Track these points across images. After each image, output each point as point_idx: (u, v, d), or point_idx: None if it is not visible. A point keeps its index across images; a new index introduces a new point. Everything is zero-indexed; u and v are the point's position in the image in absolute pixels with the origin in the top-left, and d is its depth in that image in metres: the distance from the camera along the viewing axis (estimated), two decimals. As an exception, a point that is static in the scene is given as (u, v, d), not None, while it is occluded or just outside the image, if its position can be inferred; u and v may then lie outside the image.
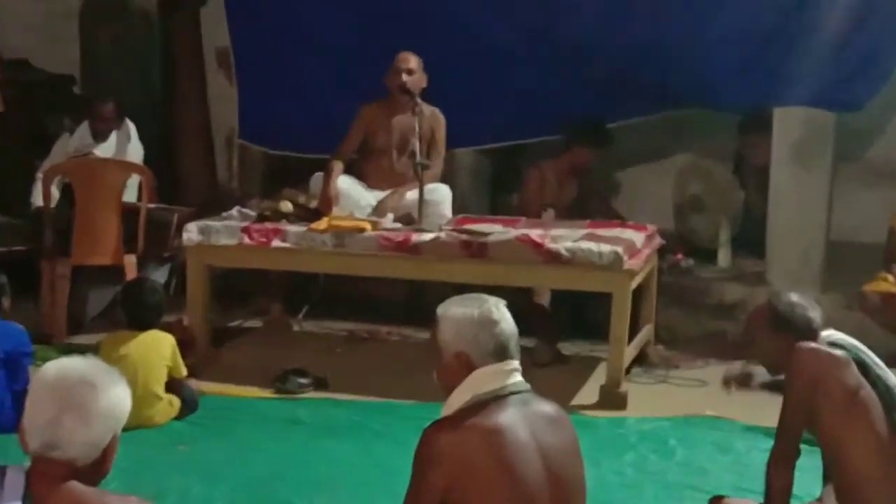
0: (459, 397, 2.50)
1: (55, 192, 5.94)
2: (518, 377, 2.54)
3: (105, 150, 6.23)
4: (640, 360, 5.47)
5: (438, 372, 2.58)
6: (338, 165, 5.54)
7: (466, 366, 2.51)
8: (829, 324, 3.35)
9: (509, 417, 2.46)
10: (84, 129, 6.27)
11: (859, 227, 6.17)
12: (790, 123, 5.78)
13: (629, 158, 6.69)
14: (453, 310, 2.58)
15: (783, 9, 5.55)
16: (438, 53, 5.61)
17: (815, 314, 3.30)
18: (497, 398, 2.48)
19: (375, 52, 5.76)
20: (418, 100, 5.42)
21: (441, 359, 2.55)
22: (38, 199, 5.99)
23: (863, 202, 6.26)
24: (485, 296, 2.63)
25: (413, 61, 5.50)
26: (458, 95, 5.82)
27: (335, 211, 5.38)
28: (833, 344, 3.26)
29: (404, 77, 5.46)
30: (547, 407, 2.56)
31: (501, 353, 2.53)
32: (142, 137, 6.38)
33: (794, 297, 3.36)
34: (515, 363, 2.55)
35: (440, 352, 2.55)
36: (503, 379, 2.51)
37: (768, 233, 5.93)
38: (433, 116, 5.58)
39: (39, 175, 6.07)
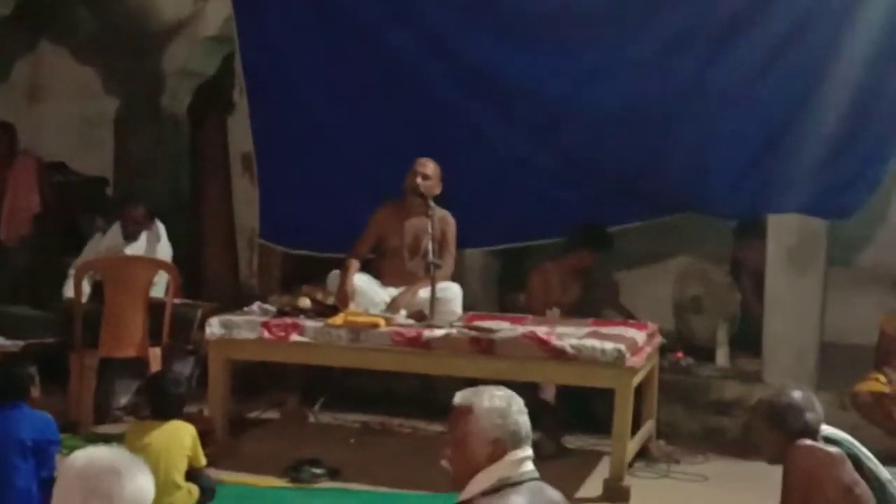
0: (485, 481, 2.53)
1: (86, 288, 6.04)
2: (531, 465, 2.60)
3: (135, 249, 6.39)
4: (643, 454, 5.50)
5: (460, 460, 2.58)
6: (354, 264, 5.63)
7: (501, 452, 2.55)
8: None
9: (525, 503, 2.52)
10: (115, 229, 6.45)
11: (852, 328, 6.27)
12: (784, 230, 5.91)
13: (630, 260, 6.77)
14: (488, 400, 2.59)
15: (777, 121, 5.71)
16: (452, 159, 5.77)
17: (812, 415, 3.34)
18: (514, 484, 2.54)
19: (391, 157, 5.92)
20: (431, 203, 5.56)
21: (467, 448, 2.56)
22: (69, 294, 6.09)
23: (855, 305, 6.37)
24: (502, 387, 2.66)
25: (430, 167, 5.64)
26: (469, 199, 5.95)
27: (351, 307, 5.45)
28: (828, 440, 3.32)
29: (419, 180, 5.61)
30: (556, 496, 2.61)
31: (527, 440, 2.60)
32: (169, 237, 6.52)
33: (795, 395, 3.39)
34: (530, 451, 2.61)
35: (468, 440, 2.56)
36: (523, 465, 2.57)
37: (764, 333, 6.00)
38: (444, 219, 5.70)
39: (72, 271, 6.18)
